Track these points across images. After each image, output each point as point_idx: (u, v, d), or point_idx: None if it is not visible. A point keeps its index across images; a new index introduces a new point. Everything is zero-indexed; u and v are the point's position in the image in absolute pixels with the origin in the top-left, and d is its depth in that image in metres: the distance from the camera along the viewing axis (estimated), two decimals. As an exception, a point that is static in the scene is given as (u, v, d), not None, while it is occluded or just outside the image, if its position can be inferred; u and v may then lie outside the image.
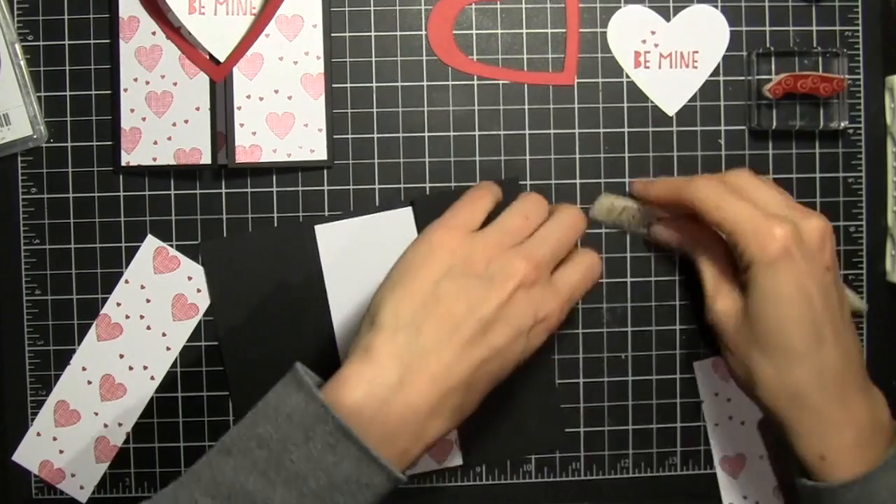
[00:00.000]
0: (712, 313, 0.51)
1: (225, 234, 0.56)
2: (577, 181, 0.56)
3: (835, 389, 0.47)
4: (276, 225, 0.56)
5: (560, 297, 0.48)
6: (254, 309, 0.55)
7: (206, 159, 0.55)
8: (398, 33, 0.56)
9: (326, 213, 0.56)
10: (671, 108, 0.57)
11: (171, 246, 0.56)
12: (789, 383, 0.48)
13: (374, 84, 0.56)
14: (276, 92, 0.55)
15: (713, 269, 0.52)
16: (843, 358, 0.48)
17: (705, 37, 0.57)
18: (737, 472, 0.57)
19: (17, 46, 0.55)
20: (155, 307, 0.56)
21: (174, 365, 0.56)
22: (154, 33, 0.55)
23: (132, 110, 0.55)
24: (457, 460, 0.56)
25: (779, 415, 0.49)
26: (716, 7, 0.57)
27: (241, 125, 0.55)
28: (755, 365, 0.49)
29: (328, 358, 0.55)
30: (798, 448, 0.48)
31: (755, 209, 0.49)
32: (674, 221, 0.55)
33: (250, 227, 0.56)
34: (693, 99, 0.57)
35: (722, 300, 0.51)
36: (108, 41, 0.55)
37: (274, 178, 0.56)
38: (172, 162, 0.55)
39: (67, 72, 0.55)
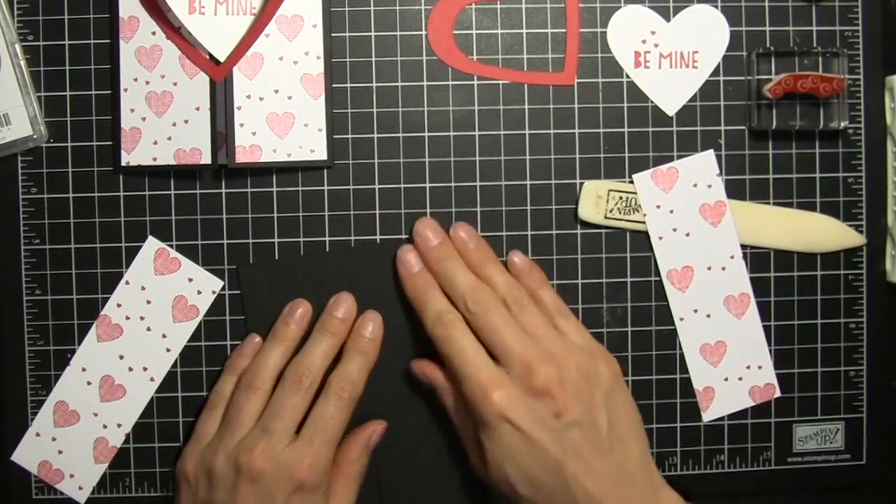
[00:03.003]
0: (475, 469, 0.52)
1: (224, 233, 0.56)
2: (577, 181, 0.56)
3: None
4: (327, 249, 0.56)
5: (311, 448, 0.50)
6: None
7: (206, 159, 0.55)
8: (398, 33, 0.56)
9: (327, 213, 0.56)
10: (671, 108, 0.57)
11: (171, 246, 0.56)
12: None
13: (374, 84, 0.56)
14: (276, 92, 0.55)
15: (463, 425, 0.53)
16: (602, 486, 0.48)
17: (705, 37, 0.57)
18: (685, 285, 0.57)
19: (17, 46, 0.55)
20: (155, 308, 0.56)
21: (174, 366, 0.56)
22: (154, 33, 0.55)
23: (132, 110, 0.55)
24: None
25: None
26: (716, 7, 0.57)
27: (241, 125, 0.55)
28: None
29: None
30: None
31: (477, 353, 0.50)
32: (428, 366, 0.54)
33: (250, 227, 0.56)
34: (693, 99, 0.57)
35: (472, 456, 0.52)
36: (108, 41, 0.55)
37: (274, 178, 0.56)
38: (172, 162, 0.55)
39: (67, 72, 0.55)
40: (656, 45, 0.56)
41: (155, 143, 0.55)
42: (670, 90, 0.57)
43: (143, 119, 0.55)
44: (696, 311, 0.57)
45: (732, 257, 0.57)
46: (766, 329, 0.57)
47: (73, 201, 0.55)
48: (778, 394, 0.57)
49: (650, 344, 0.57)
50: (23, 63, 0.55)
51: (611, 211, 0.56)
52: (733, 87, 0.57)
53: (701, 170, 0.56)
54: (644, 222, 0.56)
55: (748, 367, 0.57)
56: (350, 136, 0.56)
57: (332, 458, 0.52)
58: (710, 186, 0.56)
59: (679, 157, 0.57)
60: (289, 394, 0.52)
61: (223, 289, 0.56)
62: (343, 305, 0.54)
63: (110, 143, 0.55)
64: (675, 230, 0.57)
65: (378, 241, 0.56)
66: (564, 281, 0.57)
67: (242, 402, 0.52)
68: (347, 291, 0.55)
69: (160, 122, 0.55)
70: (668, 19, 0.57)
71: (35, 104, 0.55)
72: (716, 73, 0.57)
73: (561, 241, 0.57)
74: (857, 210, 0.57)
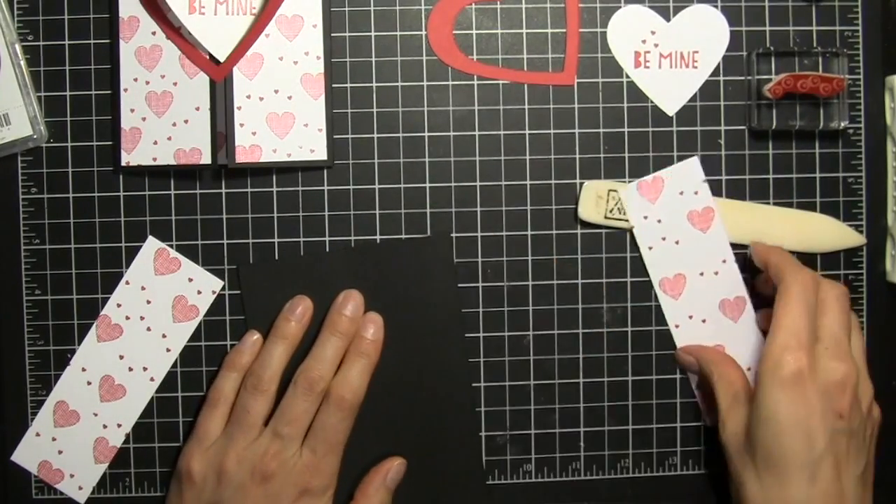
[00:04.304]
0: (724, 434, 0.52)
1: (224, 233, 0.56)
2: (577, 181, 0.56)
3: None
4: (327, 249, 0.56)
5: (316, 458, 0.52)
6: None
7: (206, 159, 0.55)
8: (398, 33, 0.56)
9: (327, 213, 0.56)
10: (671, 108, 0.57)
11: (171, 246, 0.56)
12: None
13: (374, 84, 0.56)
14: (276, 92, 0.55)
15: (728, 389, 0.53)
16: None
17: (705, 37, 0.57)
18: (678, 292, 0.57)
19: (17, 46, 0.55)
20: (155, 308, 0.56)
21: (174, 366, 0.56)
22: (154, 33, 0.55)
23: (132, 110, 0.55)
24: None
25: None
26: (716, 7, 0.57)
27: (241, 125, 0.55)
28: (745, 482, 0.50)
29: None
30: None
31: (803, 327, 0.50)
32: (695, 347, 0.56)
33: (250, 227, 0.56)
34: (693, 99, 0.57)
35: (732, 422, 0.52)
36: (108, 41, 0.55)
37: (274, 178, 0.56)
38: (172, 162, 0.55)
39: (67, 72, 0.55)
40: (656, 45, 0.56)
41: (155, 143, 0.55)
42: (670, 90, 0.57)
43: (143, 119, 0.55)
44: (690, 317, 0.57)
45: (724, 261, 0.56)
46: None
47: (73, 201, 0.55)
48: None
49: (650, 344, 0.57)
50: (23, 63, 0.55)
51: (611, 211, 0.56)
52: (733, 87, 0.57)
53: (686, 177, 0.56)
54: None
55: (748, 370, 0.57)
56: (350, 136, 0.56)
57: (339, 462, 0.53)
58: (696, 193, 0.56)
59: (679, 157, 0.57)
60: (300, 400, 0.52)
61: (223, 289, 0.56)
62: (351, 303, 0.55)
63: (110, 143, 0.55)
64: (664, 239, 0.56)
65: (378, 241, 0.56)
66: (564, 281, 0.57)
67: (250, 404, 0.53)
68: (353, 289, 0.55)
69: (160, 122, 0.55)
70: (668, 19, 0.57)
71: (35, 104, 0.55)
72: (716, 73, 0.57)
73: (561, 241, 0.57)
74: (857, 210, 0.57)
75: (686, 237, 0.56)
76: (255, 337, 0.55)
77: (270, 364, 0.53)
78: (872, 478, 0.52)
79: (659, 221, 0.56)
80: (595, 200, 0.56)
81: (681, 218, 0.56)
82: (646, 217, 0.56)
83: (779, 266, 0.53)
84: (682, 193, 0.56)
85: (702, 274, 0.57)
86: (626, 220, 0.56)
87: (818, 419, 0.48)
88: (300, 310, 0.55)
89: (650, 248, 0.56)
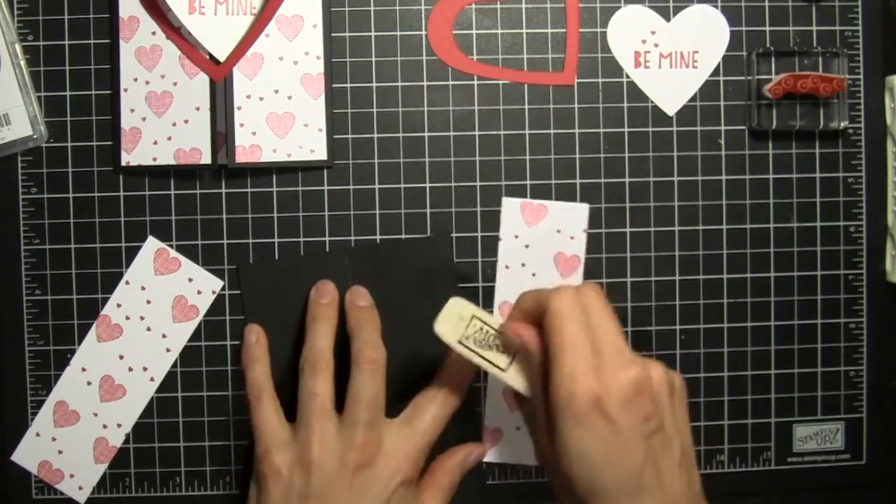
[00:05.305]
0: (537, 457, 0.49)
1: (224, 233, 0.56)
2: (577, 181, 0.57)
3: None
4: (327, 249, 0.56)
5: (408, 447, 0.51)
6: (292, 335, 0.56)
7: (206, 159, 0.55)
8: (398, 33, 0.56)
9: (327, 213, 0.56)
10: (671, 108, 0.57)
11: (171, 246, 0.56)
12: None
13: (374, 84, 0.56)
14: (276, 92, 0.55)
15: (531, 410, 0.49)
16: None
17: (705, 37, 0.57)
18: None
19: (17, 46, 0.55)
20: (155, 308, 0.56)
21: (174, 366, 0.56)
22: (154, 33, 0.55)
23: (132, 110, 0.55)
24: None
25: None
26: (716, 7, 0.57)
27: (241, 125, 0.55)
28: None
29: None
30: None
31: (580, 343, 0.45)
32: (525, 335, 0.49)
33: (250, 227, 0.56)
34: (693, 99, 0.57)
35: (539, 445, 0.48)
36: (108, 41, 0.55)
37: (274, 178, 0.56)
38: (172, 162, 0.55)
39: (67, 72, 0.55)
40: (656, 45, 0.56)
41: (155, 143, 0.55)
42: (670, 90, 0.57)
43: (143, 119, 0.55)
44: None
45: None
46: (766, 329, 0.57)
47: (73, 201, 0.55)
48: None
49: (650, 344, 0.57)
50: (23, 63, 0.55)
51: (466, 338, 0.50)
52: (733, 87, 0.57)
53: (571, 219, 0.56)
54: (502, 368, 0.49)
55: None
56: (350, 136, 0.56)
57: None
58: (572, 238, 0.55)
59: (679, 157, 0.57)
60: (370, 381, 0.51)
61: (223, 289, 0.56)
62: (363, 295, 0.55)
63: (110, 143, 0.55)
64: (523, 265, 0.55)
65: (378, 241, 0.56)
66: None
67: (313, 385, 0.51)
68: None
69: (160, 122, 0.55)
70: (668, 19, 0.57)
71: (35, 104, 0.55)
72: (716, 73, 0.57)
73: (561, 241, 0.57)
74: (857, 210, 0.57)
75: (543, 273, 0.55)
76: (256, 329, 0.55)
77: (321, 344, 0.52)
78: (693, 450, 0.48)
79: (526, 246, 0.55)
80: (456, 320, 0.49)
81: (547, 253, 0.55)
82: (516, 236, 0.55)
83: (537, 297, 0.48)
84: (559, 231, 0.55)
85: None
86: (478, 355, 0.50)
87: (628, 435, 0.44)
88: (329, 293, 0.55)
89: (507, 267, 0.55)
